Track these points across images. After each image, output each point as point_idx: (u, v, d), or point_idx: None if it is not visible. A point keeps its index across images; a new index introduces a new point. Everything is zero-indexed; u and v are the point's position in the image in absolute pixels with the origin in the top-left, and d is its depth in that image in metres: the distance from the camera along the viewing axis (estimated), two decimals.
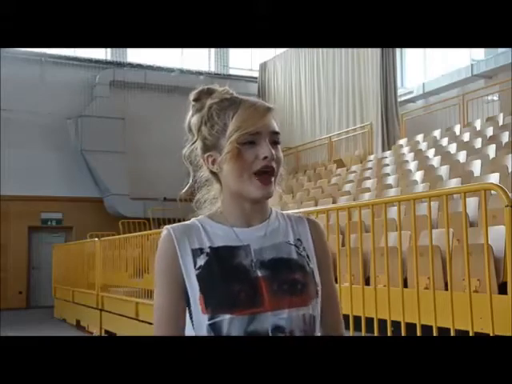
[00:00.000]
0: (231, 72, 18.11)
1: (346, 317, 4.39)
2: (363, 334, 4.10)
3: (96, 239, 10.40)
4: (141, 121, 15.87)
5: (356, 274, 4.54)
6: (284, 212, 1.37)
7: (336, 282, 5.12)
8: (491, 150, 7.73)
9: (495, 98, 11.87)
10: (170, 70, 16.84)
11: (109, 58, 16.78)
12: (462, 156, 8.19)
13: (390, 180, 8.58)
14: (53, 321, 12.09)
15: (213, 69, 18.03)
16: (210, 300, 1.19)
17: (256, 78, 17.20)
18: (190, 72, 17.08)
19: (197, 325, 1.22)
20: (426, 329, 3.58)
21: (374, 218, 4.24)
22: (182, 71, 16.98)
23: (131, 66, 16.72)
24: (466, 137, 9.43)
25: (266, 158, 1.21)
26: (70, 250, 12.44)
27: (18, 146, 14.51)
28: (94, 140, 15.05)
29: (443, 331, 3.47)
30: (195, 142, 1.30)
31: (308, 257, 1.28)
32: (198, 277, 1.22)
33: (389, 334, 3.88)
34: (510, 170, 6.29)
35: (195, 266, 1.23)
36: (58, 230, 15.58)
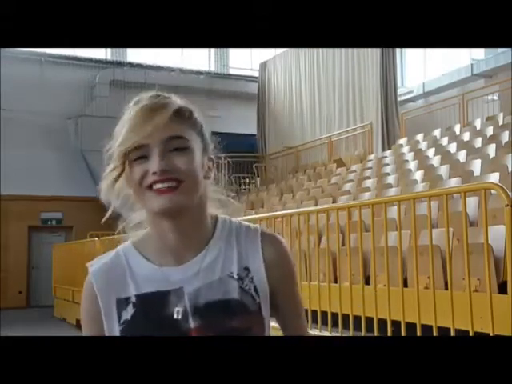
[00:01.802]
0: (231, 72, 18.14)
1: (346, 316, 4.39)
2: (363, 333, 4.10)
3: (96, 239, 10.41)
4: None
5: (356, 274, 4.54)
6: (238, 223, 1.11)
7: (336, 282, 5.11)
8: (491, 150, 7.73)
9: (495, 97, 11.87)
10: (170, 70, 16.85)
11: (109, 57, 16.80)
12: (462, 155, 8.19)
13: (390, 179, 8.58)
14: (53, 320, 12.10)
15: (213, 68, 18.05)
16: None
17: (256, 77, 17.20)
18: (190, 72, 17.10)
19: None
20: (426, 328, 3.59)
21: (373, 218, 4.24)
22: (182, 71, 17.00)
23: (131, 65, 16.74)
24: (466, 136, 9.43)
25: (155, 173, 1.00)
26: (70, 250, 12.44)
27: (17, 146, 14.52)
28: (94, 140, 14.95)
29: (443, 331, 3.47)
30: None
31: (256, 289, 1.06)
32: (122, 332, 1.07)
33: (389, 333, 3.89)
34: (510, 170, 6.28)
35: (120, 319, 1.06)
36: (58, 229, 15.59)
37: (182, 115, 1.04)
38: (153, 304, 1.04)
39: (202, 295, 1.03)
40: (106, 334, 1.09)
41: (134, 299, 1.05)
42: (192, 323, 1.03)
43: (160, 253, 1.06)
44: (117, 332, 1.07)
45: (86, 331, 1.13)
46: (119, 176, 1.07)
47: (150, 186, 1.01)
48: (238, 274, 1.05)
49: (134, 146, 1.02)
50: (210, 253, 1.06)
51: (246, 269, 1.06)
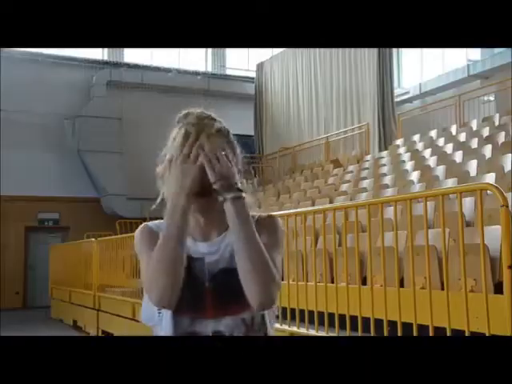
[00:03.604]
0: (228, 72, 18.12)
1: (343, 316, 4.40)
2: (360, 333, 4.11)
3: (93, 239, 10.38)
4: (138, 121, 15.86)
5: (353, 274, 4.55)
6: (256, 214, 1.45)
7: (332, 282, 5.09)
8: (487, 150, 7.75)
9: (491, 98, 11.90)
10: (167, 70, 16.83)
11: (106, 58, 16.76)
12: (458, 156, 8.21)
13: (387, 180, 8.59)
14: (50, 321, 12.07)
15: (210, 69, 18.03)
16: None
17: (253, 78, 17.20)
18: (187, 72, 17.08)
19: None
20: (423, 328, 3.59)
21: (370, 218, 4.24)
22: (179, 71, 16.98)
23: (128, 66, 16.70)
24: (463, 137, 9.45)
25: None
26: (66, 250, 12.41)
27: (14, 146, 14.48)
28: (91, 140, 15.02)
29: (439, 331, 3.48)
30: None
31: None
32: None
33: (385, 333, 3.89)
34: (505, 170, 6.30)
35: None
36: (54, 230, 15.55)
37: (222, 134, 1.44)
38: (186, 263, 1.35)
39: (219, 265, 1.39)
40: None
41: None
42: (207, 284, 1.37)
43: (196, 230, 1.42)
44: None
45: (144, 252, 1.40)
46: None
47: None
48: None
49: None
50: (225, 240, 1.42)
51: None
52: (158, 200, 1.45)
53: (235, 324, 1.33)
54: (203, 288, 1.36)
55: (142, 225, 1.46)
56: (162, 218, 1.41)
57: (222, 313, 1.33)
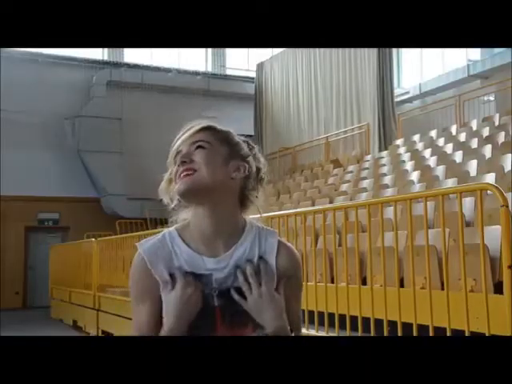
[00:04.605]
0: (228, 72, 18.12)
1: (343, 316, 4.40)
2: (360, 333, 4.11)
3: (93, 239, 10.38)
4: (138, 121, 15.86)
5: (353, 274, 4.55)
6: (260, 226, 1.38)
7: (332, 282, 5.10)
8: (487, 150, 7.75)
9: (491, 98, 11.89)
10: (167, 71, 16.82)
11: (106, 58, 16.76)
12: (458, 156, 8.21)
13: (387, 180, 8.59)
14: (49, 321, 12.06)
15: (210, 69, 18.03)
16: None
17: (253, 78, 17.20)
18: (187, 72, 17.08)
19: None
20: (423, 328, 3.59)
21: (370, 218, 4.24)
22: (179, 71, 16.97)
23: (128, 66, 16.70)
24: (463, 137, 9.45)
25: (179, 164, 1.32)
26: (66, 251, 12.41)
27: (14, 146, 14.48)
28: (91, 140, 15.03)
29: (439, 331, 3.48)
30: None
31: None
32: (173, 301, 1.29)
33: (385, 333, 3.89)
34: (505, 170, 6.30)
35: (170, 288, 1.30)
36: (54, 230, 15.54)
37: (207, 128, 1.36)
38: (189, 280, 1.29)
39: (227, 282, 1.30)
40: (164, 302, 1.30)
41: (177, 273, 1.30)
42: (216, 302, 1.29)
43: (198, 241, 1.33)
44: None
45: (138, 303, 1.35)
46: (171, 177, 1.34)
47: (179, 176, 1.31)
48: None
49: (176, 152, 1.33)
50: (238, 251, 1.33)
51: (261, 258, 1.33)
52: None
53: None
54: (213, 307, 1.29)
55: (136, 255, 1.35)
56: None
57: (231, 332, 1.28)
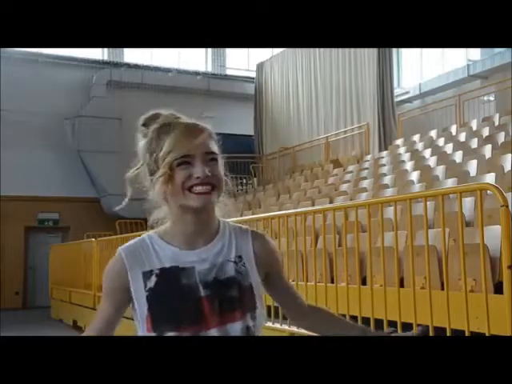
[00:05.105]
0: (228, 72, 18.12)
1: (343, 316, 4.39)
2: None
3: (93, 239, 10.38)
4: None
5: (353, 274, 4.55)
6: (233, 224, 1.44)
7: (332, 282, 5.09)
8: (487, 150, 7.75)
9: (491, 98, 11.90)
10: (167, 71, 16.83)
11: (106, 58, 16.76)
12: (458, 156, 8.21)
13: (387, 180, 8.59)
14: (49, 321, 12.06)
15: (210, 69, 18.03)
16: (157, 319, 1.30)
17: (253, 78, 17.19)
18: (187, 72, 17.09)
19: None
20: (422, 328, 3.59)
21: (370, 218, 4.25)
22: (179, 71, 16.98)
23: (128, 66, 16.70)
24: (463, 137, 9.45)
25: (198, 177, 1.30)
26: (66, 251, 12.41)
27: (14, 146, 14.48)
28: (91, 140, 15.02)
29: (439, 331, 3.48)
30: (140, 166, 1.43)
31: (247, 272, 1.37)
32: (148, 298, 1.32)
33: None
34: (505, 170, 6.30)
35: (145, 287, 1.33)
36: (54, 230, 15.55)
37: (213, 137, 1.37)
38: (172, 275, 1.33)
39: (210, 273, 1.34)
40: (134, 301, 1.35)
41: (157, 271, 1.34)
42: (202, 293, 1.32)
43: (179, 239, 1.37)
44: (143, 297, 1.33)
45: (107, 299, 1.40)
46: (167, 179, 1.31)
47: (190, 188, 1.30)
48: (234, 260, 1.37)
49: (181, 155, 1.30)
50: (217, 244, 1.38)
51: (240, 257, 1.38)
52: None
53: (232, 332, 1.30)
54: (200, 298, 1.31)
55: (116, 254, 1.38)
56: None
57: (219, 321, 1.30)
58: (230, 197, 1.41)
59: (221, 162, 1.35)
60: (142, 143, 1.43)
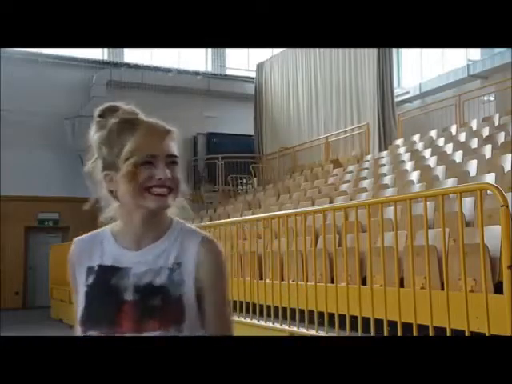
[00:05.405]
0: (228, 72, 18.12)
1: (343, 317, 4.40)
2: (360, 333, 4.11)
3: None
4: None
5: (352, 274, 4.55)
6: (188, 228, 1.38)
7: (332, 282, 5.09)
8: (487, 150, 7.75)
9: (491, 98, 11.89)
10: (167, 71, 16.82)
11: (106, 58, 16.76)
12: (458, 156, 8.21)
13: (387, 180, 8.59)
14: (49, 321, 12.05)
15: (210, 69, 18.03)
16: (85, 315, 1.32)
17: (253, 78, 17.19)
18: (187, 72, 17.08)
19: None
20: (423, 328, 3.59)
21: (370, 218, 4.25)
22: (179, 71, 16.97)
23: (128, 66, 16.70)
24: (463, 137, 9.45)
25: (160, 179, 1.28)
26: (66, 251, 12.28)
27: (14, 146, 14.48)
28: None
29: (439, 331, 3.48)
30: (95, 159, 1.36)
31: (182, 282, 1.29)
32: (85, 293, 1.34)
33: (385, 333, 3.89)
34: (505, 170, 6.30)
35: (86, 282, 1.35)
36: (54, 230, 15.54)
37: (176, 139, 1.35)
38: (107, 274, 1.32)
39: (144, 277, 1.30)
40: (78, 295, 1.35)
41: (96, 268, 1.35)
42: (130, 297, 1.28)
43: (127, 238, 1.35)
44: (82, 291, 1.34)
45: (73, 289, 1.41)
46: (131, 179, 1.28)
47: (148, 189, 1.28)
48: (171, 267, 1.31)
49: (148, 154, 1.28)
50: (158, 248, 1.33)
51: (179, 264, 1.31)
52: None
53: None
54: (125, 302, 1.27)
55: (72, 245, 1.41)
56: None
57: (138, 329, 1.25)
58: (189, 201, 1.40)
59: (180, 165, 1.33)
60: (97, 135, 1.37)
